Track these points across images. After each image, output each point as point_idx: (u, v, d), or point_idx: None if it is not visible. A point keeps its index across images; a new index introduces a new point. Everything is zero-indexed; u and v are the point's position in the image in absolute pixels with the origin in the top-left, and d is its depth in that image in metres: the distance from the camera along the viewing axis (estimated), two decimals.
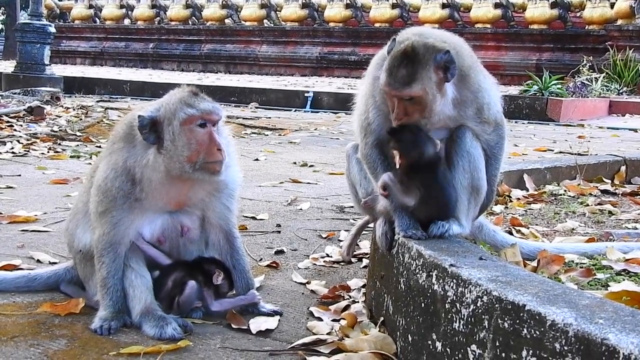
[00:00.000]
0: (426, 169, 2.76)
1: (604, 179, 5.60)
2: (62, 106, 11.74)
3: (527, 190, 5.00)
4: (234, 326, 2.87)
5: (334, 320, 2.96)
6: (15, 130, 8.86)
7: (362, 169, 3.09)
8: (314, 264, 3.81)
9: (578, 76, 15.92)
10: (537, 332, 1.85)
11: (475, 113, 2.88)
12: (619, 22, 19.26)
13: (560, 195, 4.95)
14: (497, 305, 2.01)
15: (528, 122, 12.71)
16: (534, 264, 2.99)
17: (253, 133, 10.15)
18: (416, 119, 2.77)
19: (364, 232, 3.84)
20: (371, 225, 3.32)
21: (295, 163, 7.45)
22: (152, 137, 2.80)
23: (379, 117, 2.91)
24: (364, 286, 3.35)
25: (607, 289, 2.62)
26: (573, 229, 3.89)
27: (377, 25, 23.33)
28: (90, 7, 29.75)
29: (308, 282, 3.48)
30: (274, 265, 3.76)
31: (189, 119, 2.79)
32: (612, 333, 1.69)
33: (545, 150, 8.56)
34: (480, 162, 2.89)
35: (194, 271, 2.97)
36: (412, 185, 2.75)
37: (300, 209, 5.10)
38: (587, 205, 4.56)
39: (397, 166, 2.77)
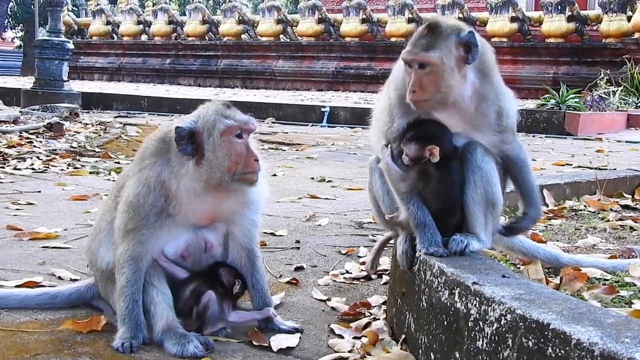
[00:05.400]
0: (439, 164, 2.79)
1: (625, 194, 5.55)
2: (80, 122, 11.83)
3: (547, 205, 4.97)
4: (255, 344, 2.87)
5: (355, 337, 2.95)
6: (34, 146, 8.92)
7: (384, 183, 3.03)
8: (334, 281, 3.80)
9: (595, 90, 15.83)
10: (562, 351, 1.83)
11: (495, 117, 2.84)
12: (636, 35, 19.15)
13: (581, 210, 4.92)
14: (521, 324, 2.00)
15: (545, 136, 12.66)
16: (557, 281, 2.97)
17: (270, 148, 10.16)
18: (431, 93, 2.73)
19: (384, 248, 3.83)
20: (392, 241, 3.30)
21: (313, 178, 7.45)
22: (189, 148, 2.81)
23: (404, 120, 2.87)
24: (384, 303, 3.34)
25: (631, 306, 2.60)
26: (594, 244, 3.85)
27: (393, 39, 23.31)
28: (108, 23, 29.99)
29: (328, 299, 3.48)
30: (294, 281, 3.76)
31: (228, 129, 2.82)
32: (639, 352, 1.67)
33: (563, 165, 8.51)
34: (493, 177, 2.84)
35: (212, 282, 2.98)
36: (415, 175, 2.80)
37: (319, 225, 5.10)
38: (608, 220, 4.52)
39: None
